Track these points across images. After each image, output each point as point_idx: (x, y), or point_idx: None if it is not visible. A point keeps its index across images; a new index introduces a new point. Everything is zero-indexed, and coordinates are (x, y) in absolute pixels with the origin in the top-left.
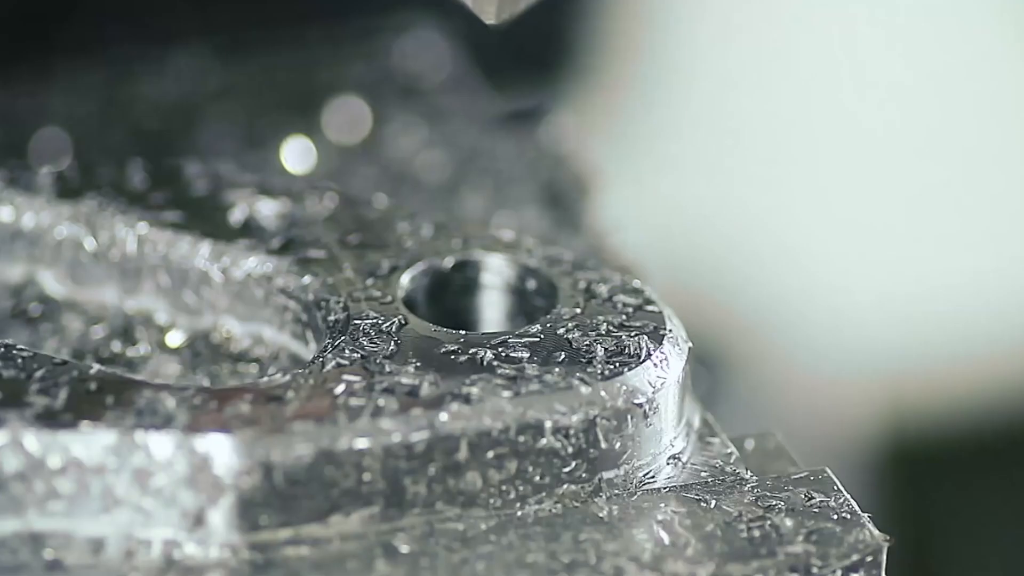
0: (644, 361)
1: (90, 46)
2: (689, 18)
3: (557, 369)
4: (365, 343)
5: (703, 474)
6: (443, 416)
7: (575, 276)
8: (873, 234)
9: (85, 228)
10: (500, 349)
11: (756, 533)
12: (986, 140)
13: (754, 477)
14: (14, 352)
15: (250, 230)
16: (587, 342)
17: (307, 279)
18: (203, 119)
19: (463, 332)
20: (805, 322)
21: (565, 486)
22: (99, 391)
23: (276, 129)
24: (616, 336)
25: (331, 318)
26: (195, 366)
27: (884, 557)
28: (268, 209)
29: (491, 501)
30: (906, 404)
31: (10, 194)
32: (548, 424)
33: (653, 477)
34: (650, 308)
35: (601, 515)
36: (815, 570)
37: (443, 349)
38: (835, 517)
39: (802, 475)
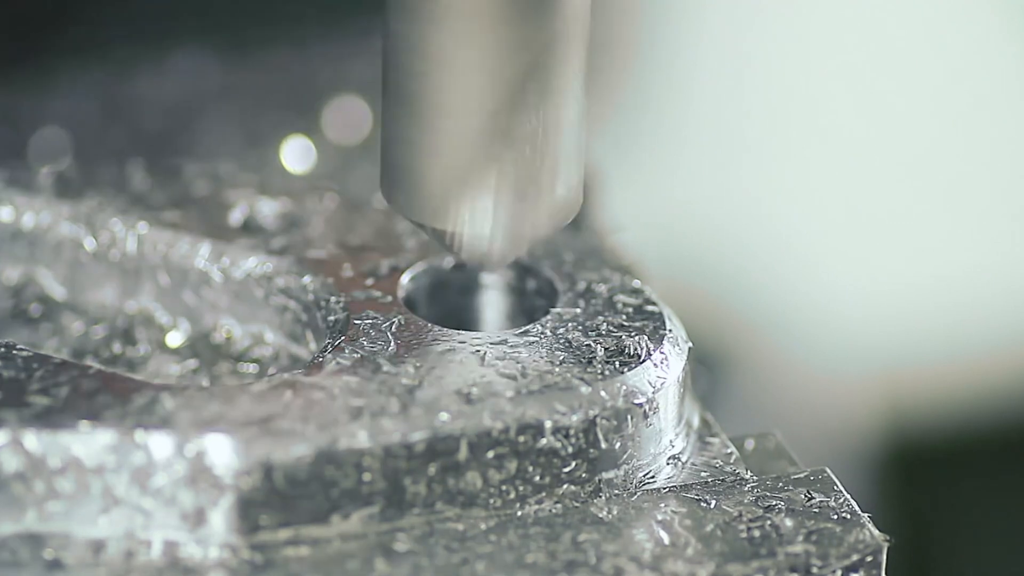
0: (644, 361)
1: (90, 46)
2: (689, 17)
3: (557, 369)
4: (365, 343)
5: (703, 474)
6: (443, 416)
7: (575, 276)
8: (873, 233)
9: (85, 228)
10: (500, 349)
11: (756, 533)
12: (983, 140)
13: (754, 477)
14: (14, 352)
15: (250, 230)
16: (587, 342)
17: (307, 279)
18: (203, 119)
19: (463, 332)
20: (805, 321)
21: (565, 486)
22: (99, 391)
23: (276, 129)
24: (616, 336)
25: (331, 318)
26: (195, 366)
27: (884, 557)
28: (268, 209)
29: (491, 501)
30: (906, 404)
31: (10, 194)
32: (548, 424)
33: (653, 477)
34: (650, 308)
35: (601, 515)
36: (815, 570)
37: (443, 349)
38: (835, 517)
39: (802, 475)
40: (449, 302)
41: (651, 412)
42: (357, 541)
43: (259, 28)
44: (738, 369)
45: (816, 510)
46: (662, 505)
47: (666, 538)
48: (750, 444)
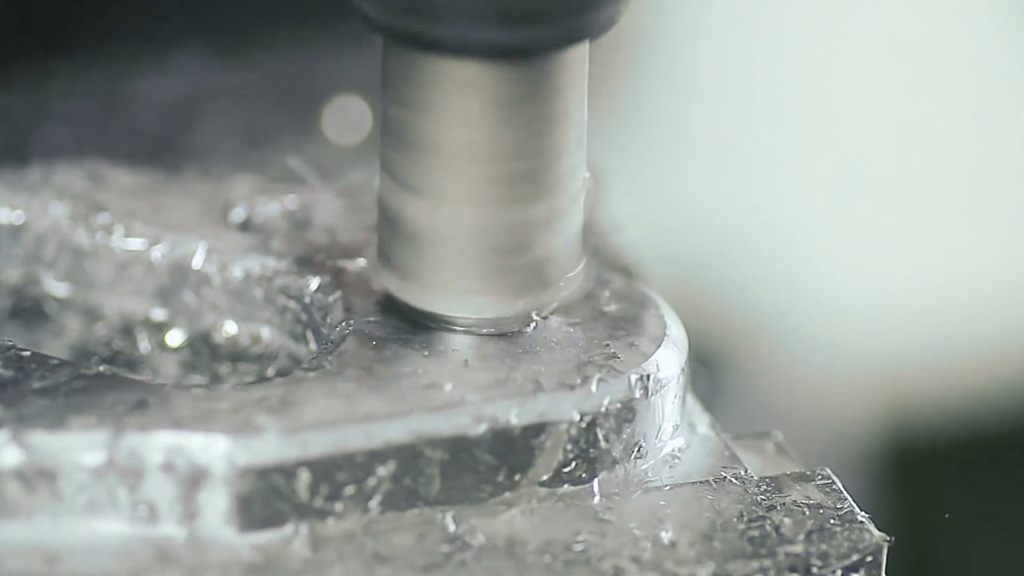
0: (643, 362)
1: (90, 46)
2: (689, 16)
3: (556, 369)
4: (365, 343)
5: (703, 474)
6: (443, 415)
7: None
8: (873, 232)
9: (85, 228)
10: (499, 348)
11: (756, 533)
12: (984, 140)
13: (754, 477)
14: (14, 352)
15: (250, 230)
16: (587, 342)
17: (307, 279)
18: (203, 119)
19: (462, 332)
20: (805, 321)
21: (565, 486)
22: (99, 391)
23: (276, 129)
24: (616, 336)
25: (331, 318)
26: (195, 366)
27: (884, 557)
28: (268, 209)
29: (490, 500)
30: (906, 403)
31: (10, 194)
32: (548, 424)
33: (653, 477)
34: (650, 308)
35: (601, 515)
36: (815, 570)
37: (442, 350)
38: (835, 517)
39: (802, 475)
40: None
41: (650, 412)
42: (356, 540)
43: (259, 28)
44: (738, 369)
45: (816, 510)
46: (662, 504)
47: (666, 538)
48: (751, 444)
